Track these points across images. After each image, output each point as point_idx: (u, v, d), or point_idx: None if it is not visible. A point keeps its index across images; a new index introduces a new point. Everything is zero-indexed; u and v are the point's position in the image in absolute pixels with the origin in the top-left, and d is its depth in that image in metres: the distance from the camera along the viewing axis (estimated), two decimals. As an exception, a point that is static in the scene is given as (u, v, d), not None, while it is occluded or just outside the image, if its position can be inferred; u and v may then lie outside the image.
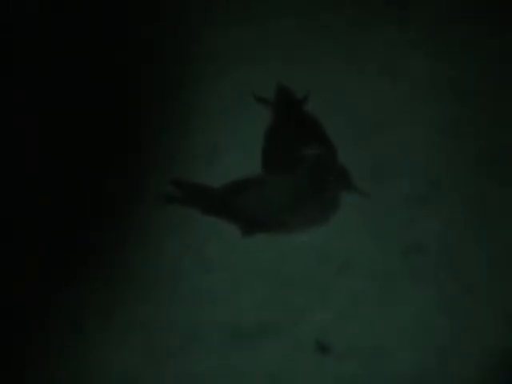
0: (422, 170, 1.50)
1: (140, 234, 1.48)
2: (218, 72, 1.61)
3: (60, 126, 1.56)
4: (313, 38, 1.65)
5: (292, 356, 1.38)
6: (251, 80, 1.61)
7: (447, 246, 1.45)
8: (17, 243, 1.46)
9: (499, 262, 1.44)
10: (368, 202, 1.44)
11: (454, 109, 1.57)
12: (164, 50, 1.64)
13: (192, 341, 1.39)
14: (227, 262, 1.45)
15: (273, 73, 1.61)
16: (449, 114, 1.56)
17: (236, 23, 1.66)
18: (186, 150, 1.54)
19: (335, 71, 1.61)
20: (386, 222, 1.46)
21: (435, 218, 1.47)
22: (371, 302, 1.41)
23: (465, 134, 1.55)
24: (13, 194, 1.49)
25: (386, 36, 1.64)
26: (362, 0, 1.67)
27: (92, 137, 1.55)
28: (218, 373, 1.37)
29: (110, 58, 1.63)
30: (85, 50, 1.63)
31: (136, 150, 1.55)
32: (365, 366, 1.36)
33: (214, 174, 1.51)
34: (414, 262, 1.44)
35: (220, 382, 1.36)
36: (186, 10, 1.68)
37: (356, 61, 1.62)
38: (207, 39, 1.64)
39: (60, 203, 1.49)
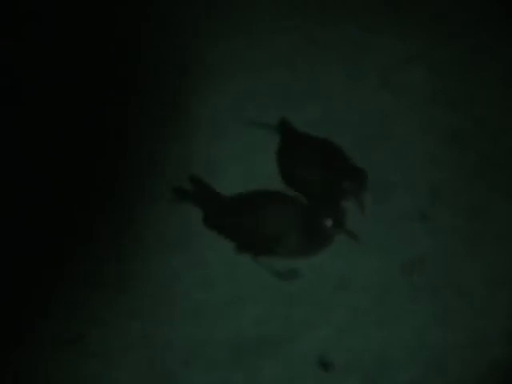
0: (421, 184, 1.50)
1: (141, 249, 1.48)
2: (217, 81, 1.61)
3: (60, 125, 1.56)
4: (314, 50, 1.64)
5: (293, 372, 1.38)
6: (250, 90, 1.60)
7: (447, 261, 1.45)
8: (14, 245, 1.45)
9: (499, 276, 1.44)
10: (367, 216, 1.43)
11: (454, 120, 1.56)
12: (163, 60, 1.64)
13: (193, 356, 1.39)
14: (228, 277, 1.45)
15: (273, 83, 1.61)
16: (449, 125, 1.56)
17: (236, 35, 1.66)
18: (185, 158, 1.54)
19: (335, 83, 1.61)
20: (385, 236, 1.46)
21: (435, 232, 1.47)
22: (371, 317, 1.41)
23: (465, 146, 1.54)
24: (9, 191, 1.49)
25: (387, 48, 1.63)
26: (362, 13, 1.66)
27: (94, 144, 1.55)
28: None
29: (111, 66, 1.62)
30: (87, 59, 1.63)
31: (136, 150, 1.55)
32: (366, 381, 1.37)
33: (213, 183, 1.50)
34: (413, 276, 1.44)
35: None
36: (185, 19, 1.68)
37: (356, 73, 1.61)
38: (207, 48, 1.64)
39: (53, 199, 1.49)
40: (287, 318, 1.41)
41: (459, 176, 1.52)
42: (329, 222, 1.35)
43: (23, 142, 1.54)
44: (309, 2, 1.68)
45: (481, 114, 1.57)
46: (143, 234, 1.48)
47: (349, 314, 1.41)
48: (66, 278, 1.44)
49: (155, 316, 1.42)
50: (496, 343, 1.38)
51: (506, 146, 1.54)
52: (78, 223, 1.48)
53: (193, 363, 1.39)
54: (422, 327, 1.40)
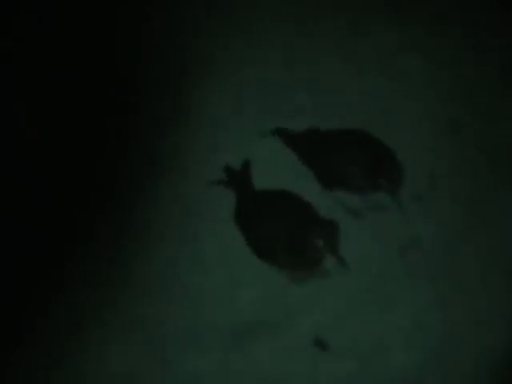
0: (418, 170, 1.50)
1: (137, 234, 1.48)
2: (217, 72, 1.61)
3: (60, 125, 1.56)
4: (312, 39, 1.64)
5: (290, 355, 1.38)
6: (250, 81, 1.60)
7: (443, 245, 1.45)
8: (14, 245, 1.46)
9: (495, 261, 1.44)
10: (364, 201, 1.43)
11: (451, 109, 1.57)
12: (163, 60, 1.64)
13: (190, 341, 1.39)
14: (225, 262, 1.45)
15: (272, 73, 1.61)
16: (446, 113, 1.56)
17: (236, 35, 1.66)
18: (186, 149, 1.54)
19: (333, 72, 1.61)
20: (382, 221, 1.46)
21: (431, 217, 1.47)
22: (367, 300, 1.41)
23: (462, 135, 1.55)
24: (9, 191, 1.50)
25: (385, 37, 1.63)
26: (360, 2, 1.66)
27: (94, 144, 1.55)
28: (217, 372, 1.37)
29: (111, 66, 1.62)
30: (87, 59, 1.63)
31: (136, 150, 1.55)
32: (363, 364, 1.37)
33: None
34: (410, 261, 1.44)
35: (218, 381, 1.37)
36: (185, 19, 1.68)
37: (354, 62, 1.62)
38: (207, 49, 1.64)
39: (53, 199, 1.49)
40: (283, 302, 1.42)
41: (456, 163, 1.52)
42: (319, 243, 1.34)
43: (23, 142, 1.54)
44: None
45: (479, 102, 1.57)
46: (138, 220, 1.48)
47: (345, 298, 1.42)
48: (66, 278, 1.44)
49: (152, 301, 1.42)
50: (492, 327, 1.38)
51: (504, 134, 1.55)
52: (78, 223, 1.48)
53: (189, 347, 1.39)
54: (418, 311, 1.40)
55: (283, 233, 1.37)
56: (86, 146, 1.54)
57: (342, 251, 1.39)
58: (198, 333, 1.40)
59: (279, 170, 1.51)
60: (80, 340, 1.39)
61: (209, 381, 1.37)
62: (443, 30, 1.64)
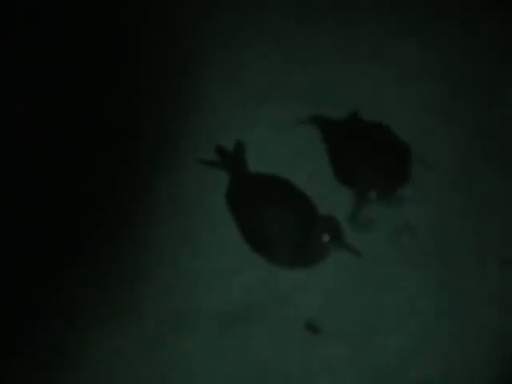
0: (413, 155, 1.49)
1: (130, 219, 1.48)
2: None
3: (60, 125, 1.57)
4: (305, 25, 1.65)
5: (282, 338, 1.38)
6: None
7: (437, 230, 1.45)
8: (14, 245, 1.46)
9: (490, 246, 1.44)
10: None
11: (445, 93, 1.57)
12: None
13: (182, 324, 1.40)
14: (216, 246, 1.45)
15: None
16: (440, 98, 1.57)
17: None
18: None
19: (325, 59, 1.62)
20: (375, 205, 1.46)
21: (426, 202, 1.47)
22: (360, 283, 1.42)
23: (459, 120, 1.55)
24: (9, 191, 1.50)
25: (376, 23, 1.64)
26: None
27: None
28: (208, 356, 1.37)
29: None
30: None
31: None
32: (354, 348, 1.37)
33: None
34: (402, 244, 1.45)
35: (209, 365, 1.37)
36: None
37: (345, 48, 1.62)
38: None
39: (53, 199, 1.50)
40: (275, 285, 1.42)
41: (450, 148, 1.52)
42: (325, 237, 1.34)
43: (23, 142, 1.54)
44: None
45: (473, 86, 1.58)
46: (132, 206, 1.49)
47: (338, 281, 1.42)
48: (66, 278, 1.44)
49: (143, 286, 1.43)
50: (485, 311, 1.39)
51: (499, 118, 1.55)
52: (78, 223, 1.48)
53: (182, 331, 1.39)
54: (410, 294, 1.41)
55: (283, 229, 1.36)
56: (86, 146, 1.54)
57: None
58: (190, 316, 1.40)
59: (275, 159, 1.52)
60: (69, 326, 1.40)
61: (201, 364, 1.37)
62: (442, 16, 1.64)
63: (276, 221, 1.37)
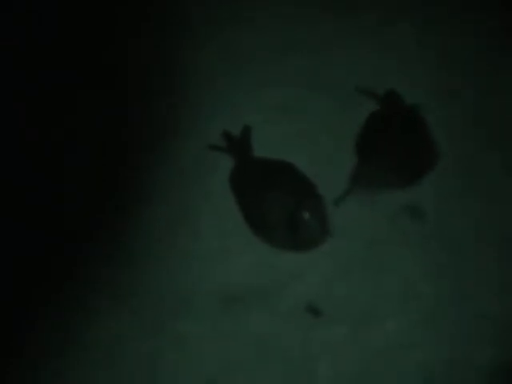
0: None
1: (129, 200, 1.48)
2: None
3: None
4: (305, 10, 1.66)
5: (281, 320, 1.38)
6: (243, 41, 1.62)
7: (438, 213, 1.45)
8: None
9: (491, 230, 1.44)
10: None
11: (444, 77, 1.58)
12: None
13: (181, 306, 1.40)
14: (216, 227, 1.46)
15: (268, 45, 1.62)
16: (439, 82, 1.57)
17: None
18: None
19: (325, 43, 1.62)
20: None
21: (426, 184, 1.47)
22: (360, 267, 1.42)
23: (459, 104, 1.55)
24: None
25: (376, 4, 1.64)
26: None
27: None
28: (207, 337, 1.37)
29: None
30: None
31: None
32: (354, 331, 1.37)
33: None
34: (402, 227, 1.44)
35: (209, 346, 1.37)
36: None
37: (346, 31, 1.63)
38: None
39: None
40: (275, 268, 1.42)
41: (448, 131, 1.52)
42: (306, 215, 1.35)
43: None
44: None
45: (473, 70, 1.58)
46: (130, 186, 1.49)
47: (337, 264, 1.42)
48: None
49: (142, 267, 1.43)
50: (484, 296, 1.39)
51: (497, 102, 1.55)
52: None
53: (180, 313, 1.39)
54: (410, 278, 1.41)
55: (282, 213, 1.37)
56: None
57: (333, 216, 1.41)
58: (189, 298, 1.40)
59: (274, 143, 1.52)
60: (65, 307, 1.39)
61: (199, 345, 1.37)
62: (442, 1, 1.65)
63: (277, 204, 1.38)
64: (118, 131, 1.54)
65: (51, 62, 1.61)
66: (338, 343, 1.37)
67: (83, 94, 1.58)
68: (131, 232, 1.46)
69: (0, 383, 1.36)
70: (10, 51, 1.61)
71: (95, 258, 1.44)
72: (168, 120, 1.56)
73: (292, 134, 1.54)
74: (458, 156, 1.50)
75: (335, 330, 1.37)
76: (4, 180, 1.50)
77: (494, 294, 1.39)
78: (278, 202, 1.38)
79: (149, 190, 1.50)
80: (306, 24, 1.65)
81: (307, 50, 1.62)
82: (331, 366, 1.36)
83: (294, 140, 1.53)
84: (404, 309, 1.39)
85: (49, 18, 1.65)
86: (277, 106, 1.56)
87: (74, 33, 1.64)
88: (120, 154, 1.53)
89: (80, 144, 1.53)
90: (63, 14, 1.66)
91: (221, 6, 1.68)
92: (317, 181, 1.44)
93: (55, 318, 1.40)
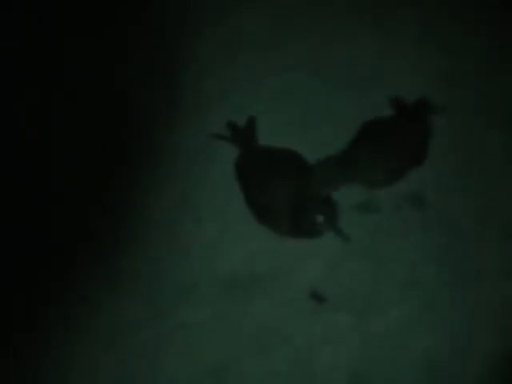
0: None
1: (132, 187, 1.48)
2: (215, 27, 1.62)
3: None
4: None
5: (285, 308, 1.39)
6: (243, 37, 1.62)
7: (440, 199, 1.46)
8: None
9: (493, 215, 1.44)
10: None
11: (447, 62, 1.58)
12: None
13: (183, 292, 1.40)
14: (219, 212, 1.46)
15: (268, 31, 1.63)
16: (442, 66, 1.57)
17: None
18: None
19: (327, 24, 1.62)
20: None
21: (428, 170, 1.47)
22: (362, 253, 1.42)
23: (461, 88, 1.55)
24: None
25: None
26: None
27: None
28: (210, 323, 1.38)
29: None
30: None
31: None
32: (357, 318, 1.38)
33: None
34: (405, 213, 1.45)
35: (213, 333, 1.38)
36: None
37: (346, 17, 1.63)
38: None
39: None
40: (278, 254, 1.42)
41: (448, 118, 1.52)
42: (320, 218, 1.36)
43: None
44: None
45: (474, 55, 1.58)
46: (132, 172, 1.49)
47: (339, 250, 1.42)
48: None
49: (145, 252, 1.43)
50: (487, 281, 1.39)
51: (500, 87, 1.55)
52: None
53: (183, 299, 1.40)
54: (413, 264, 1.41)
55: (286, 202, 1.38)
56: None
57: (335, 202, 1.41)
58: (192, 285, 1.40)
59: (276, 130, 1.52)
60: (67, 289, 1.40)
61: (201, 332, 1.38)
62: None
63: (280, 192, 1.38)
64: (118, 131, 1.54)
65: (51, 62, 1.61)
66: (340, 330, 1.37)
67: (83, 93, 1.59)
68: (133, 220, 1.46)
69: (4, 369, 1.36)
70: (10, 51, 1.61)
71: (97, 247, 1.44)
72: (169, 108, 1.56)
73: (292, 122, 1.54)
74: (457, 143, 1.50)
75: (338, 317, 1.38)
76: (4, 180, 1.50)
77: (495, 280, 1.39)
78: (282, 190, 1.39)
79: (150, 177, 1.50)
80: (306, 12, 1.65)
81: (307, 37, 1.62)
82: (333, 353, 1.36)
83: (295, 128, 1.53)
84: (406, 296, 1.39)
85: (49, 17, 1.65)
86: (277, 94, 1.57)
87: (74, 33, 1.64)
88: (120, 154, 1.53)
89: (80, 144, 1.53)
90: (63, 13, 1.66)
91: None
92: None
93: (57, 305, 1.40)
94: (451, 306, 1.38)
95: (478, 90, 1.55)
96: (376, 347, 1.36)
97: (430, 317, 1.37)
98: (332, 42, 1.61)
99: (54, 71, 1.61)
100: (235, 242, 1.44)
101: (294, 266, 1.42)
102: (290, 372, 1.35)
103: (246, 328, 1.38)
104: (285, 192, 1.39)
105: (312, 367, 1.36)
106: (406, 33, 1.61)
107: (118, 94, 1.57)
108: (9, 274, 1.43)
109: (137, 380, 1.36)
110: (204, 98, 1.57)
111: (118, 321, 1.39)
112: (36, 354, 1.38)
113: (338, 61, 1.59)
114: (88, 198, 1.48)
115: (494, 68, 1.57)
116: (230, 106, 1.55)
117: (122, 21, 1.65)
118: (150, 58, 1.61)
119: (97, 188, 1.49)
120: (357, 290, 1.40)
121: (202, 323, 1.38)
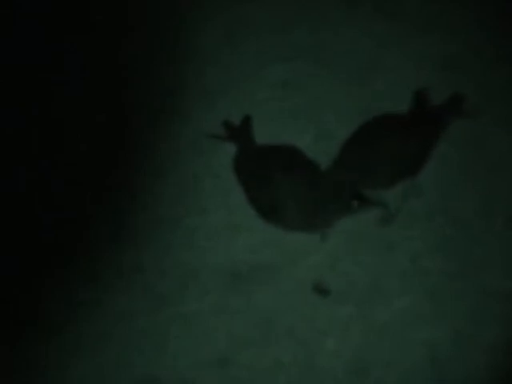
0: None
1: (135, 177, 1.48)
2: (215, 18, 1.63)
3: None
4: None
5: (287, 297, 1.39)
6: (244, 25, 1.62)
7: (443, 190, 1.46)
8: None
9: (494, 205, 1.44)
10: None
11: (449, 49, 1.58)
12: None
13: (188, 282, 1.40)
14: (223, 203, 1.46)
15: (269, 21, 1.63)
16: (444, 54, 1.57)
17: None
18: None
19: (330, 11, 1.62)
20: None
21: (431, 161, 1.46)
22: (367, 245, 1.42)
23: (461, 75, 1.55)
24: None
25: None
26: None
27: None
28: (214, 314, 1.38)
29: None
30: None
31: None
32: (361, 308, 1.38)
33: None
34: (410, 203, 1.44)
35: (216, 323, 1.38)
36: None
37: (348, 4, 1.63)
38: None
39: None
40: (281, 245, 1.42)
41: (454, 105, 1.50)
42: (354, 204, 1.32)
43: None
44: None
45: (477, 42, 1.58)
46: (135, 164, 1.49)
47: (343, 241, 1.42)
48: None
49: (149, 243, 1.43)
50: (490, 272, 1.39)
51: (502, 74, 1.55)
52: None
53: (186, 289, 1.40)
54: (416, 255, 1.41)
55: (292, 193, 1.36)
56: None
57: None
58: (196, 275, 1.41)
59: (278, 119, 1.52)
60: (70, 279, 1.41)
61: (206, 322, 1.38)
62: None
63: (284, 183, 1.37)
64: (118, 131, 1.54)
65: (51, 62, 1.61)
66: (342, 320, 1.37)
67: (83, 93, 1.59)
68: (137, 210, 1.46)
69: (12, 355, 1.37)
70: (11, 51, 1.62)
71: (102, 236, 1.44)
72: (171, 97, 1.56)
73: (295, 109, 1.54)
74: (461, 134, 1.50)
75: (342, 307, 1.38)
76: (4, 180, 1.50)
77: (499, 270, 1.39)
78: (285, 182, 1.37)
79: (153, 166, 1.50)
80: (308, 0, 1.64)
81: (310, 26, 1.61)
82: (337, 343, 1.36)
83: (298, 115, 1.53)
84: (408, 286, 1.39)
85: (49, 17, 1.65)
86: (280, 83, 1.57)
87: (74, 33, 1.64)
88: (122, 144, 1.53)
89: (80, 142, 1.53)
90: (63, 13, 1.66)
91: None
92: (322, 158, 1.42)
93: (63, 294, 1.40)
94: (454, 297, 1.38)
95: (482, 75, 1.55)
96: (379, 338, 1.36)
97: (432, 307, 1.37)
98: (335, 29, 1.60)
99: (54, 71, 1.61)
100: (240, 232, 1.44)
101: (298, 257, 1.41)
102: (293, 362, 1.35)
103: (249, 318, 1.38)
104: (289, 182, 1.36)
105: (314, 357, 1.35)
106: (409, 18, 1.61)
107: (120, 82, 1.57)
108: (9, 274, 1.43)
109: (138, 369, 1.36)
110: (207, 87, 1.56)
111: (123, 309, 1.39)
112: (44, 329, 1.38)
113: (340, 48, 1.59)
114: (90, 192, 1.48)
115: (497, 55, 1.57)
116: (233, 95, 1.55)
117: (130, 7, 1.65)
118: (152, 46, 1.61)
119: (99, 178, 1.49)
120: (360, 281, 1.39)
121: (206, 313, 1.38)
